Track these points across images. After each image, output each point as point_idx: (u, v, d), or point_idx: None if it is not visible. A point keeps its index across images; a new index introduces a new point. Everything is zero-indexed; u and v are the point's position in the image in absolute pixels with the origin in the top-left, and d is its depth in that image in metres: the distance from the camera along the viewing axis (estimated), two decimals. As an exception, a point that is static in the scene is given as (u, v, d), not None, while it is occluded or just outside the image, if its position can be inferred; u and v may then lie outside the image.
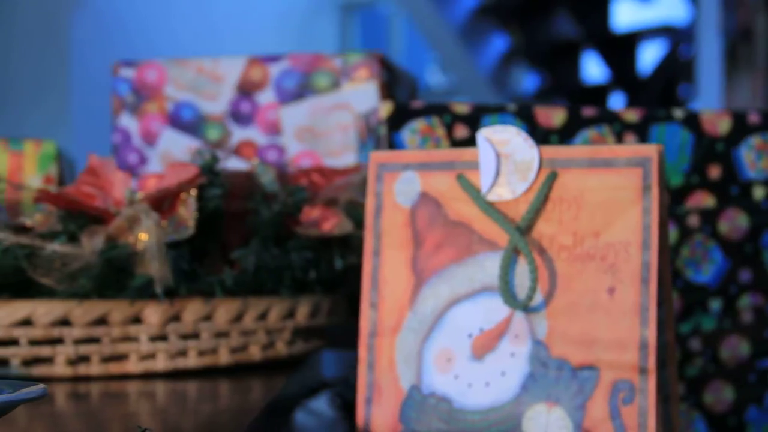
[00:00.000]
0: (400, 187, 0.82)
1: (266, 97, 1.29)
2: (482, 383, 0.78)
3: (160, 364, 0.93)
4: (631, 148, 0.76)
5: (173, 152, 1.30)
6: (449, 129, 1.15)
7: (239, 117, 1.30)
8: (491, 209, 0.78)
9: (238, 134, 1.30)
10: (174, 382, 0.92)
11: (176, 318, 0.93)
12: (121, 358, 0.92)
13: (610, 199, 0.76)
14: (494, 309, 0.78)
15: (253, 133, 1.29)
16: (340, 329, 1.11)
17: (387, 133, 1.14)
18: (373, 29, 6.66)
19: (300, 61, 1.29)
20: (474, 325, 0.79)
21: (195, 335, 0.94)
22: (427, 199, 0.81)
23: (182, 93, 1.30)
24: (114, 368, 0.92)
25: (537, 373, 0.76)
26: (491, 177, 0.79)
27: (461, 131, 1.15)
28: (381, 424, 0.80)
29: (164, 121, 1.31)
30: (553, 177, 0.77)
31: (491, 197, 0.79)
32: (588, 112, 1.17)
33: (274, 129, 1.29)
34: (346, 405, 1.30)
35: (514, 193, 0.78)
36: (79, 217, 0.92)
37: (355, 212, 1.01)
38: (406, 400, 0.80)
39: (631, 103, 5.91)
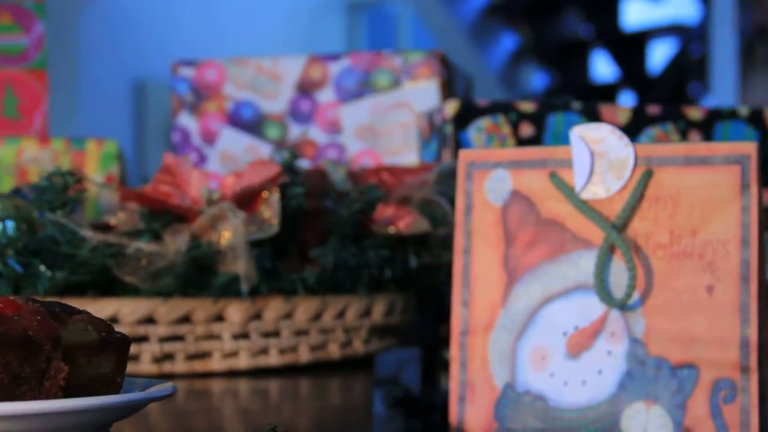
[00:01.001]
0: (491, 185, 0.82)
1: (326, 95, 1.30)
2: (578, 381, 0.78)
3: (243, 362, 0.93)
4: (728, 146, 0.76)
5: (233, 151, 1.30)
6: (515, 127, 1.15)
7: (299, 116, 1.30)
8: (586, 207, 0.79)
9: (298, 133, 1.30)
10: (256, 380, 0.93)
11: (258, 316, 0.94)
12: (204, 356, 0.93)
13: (708, 196, 0.76)
14: (589, 307, 0.78)
15: (313, 132, 1.30)
16: (407, 327, 1.11)
17: (453, 131, 1.14)
18: (380, 28, 6.66)
19: (360, 60, 1.29)
20: (569, 323, 0.79)
21: (276, 333, 0.95)
22: (518, 197, 0.82)
23: (242, 92, 1.31)
24: (198, 366, 0.92)
25: (635, 372, 0.76)
26: (585, 175, 0.79)
27: (526, 129, 1.15)
28: (475, 423, 0.80)
29: (224, 120, 1.31)
30: (648, 175, 0.77)
31: (585, 195, 0.79)
32: (653, 110, 1.17)
33: (334, 128, 1.29)
34: (397, 403, 1.31)
35: (608, 192, 0.79)
36: (163, 215, 0.92)
37: (430, 210, 1.02)
38: (500, 398, 0.80)
39: (642, 102, 5.89)
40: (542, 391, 0.79)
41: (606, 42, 6.50)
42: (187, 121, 1.32)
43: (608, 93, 6.40)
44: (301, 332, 0.96)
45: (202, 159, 1.32)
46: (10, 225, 0.90)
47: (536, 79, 6.55)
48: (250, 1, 5.14)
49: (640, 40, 6.39)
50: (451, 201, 1.02)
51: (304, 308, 0.95)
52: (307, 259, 0.98)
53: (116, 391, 0.57)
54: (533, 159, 0.82)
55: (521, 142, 1.15)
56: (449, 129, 1.14)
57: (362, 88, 1.29)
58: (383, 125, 1.28)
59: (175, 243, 0.89)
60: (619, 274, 0.78)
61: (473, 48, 6.04)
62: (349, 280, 0.97)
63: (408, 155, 1.27)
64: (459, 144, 1.14)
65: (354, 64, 1.29)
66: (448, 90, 1.30)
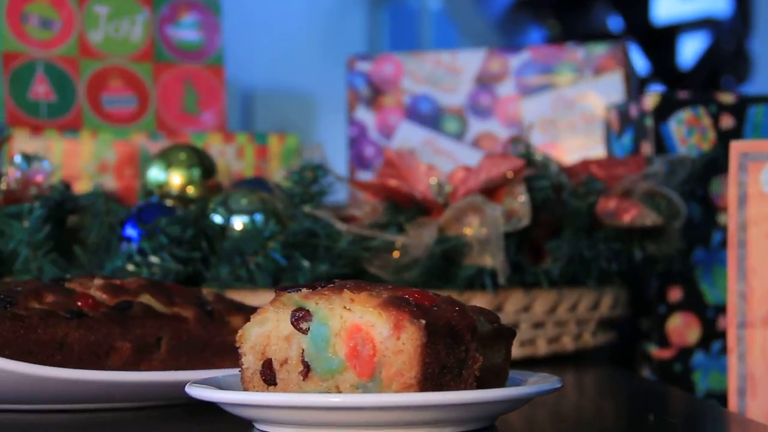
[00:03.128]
0: None
1: (506, 89, 1.29)
2: None
3: (486, 355, 0.93)
4: None
5: (410, 145, 1.30)
6: (715, 119, 1.14)
7: (478, 109, 1.30)
8: None
9: (478, 126, 1.30)
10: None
11: (499, 309, 0.93)
12: (450, 349, 0.92)
13: None
14: None
15: (493, 125, 1.29)
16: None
17: (653, 123, 1.13)
18: (403, 24, 6.62)
19: (541, 53, 1.28)
20: None
21: (515, 326, 0.94)
22: (797, 188, 0.81)
23: (420, 86, 1.30)
24: (445, 360, 0.91)
25: None
26: None
27: (727, 121, 1.14)
28: (758, 416, 0.79)
29: (401, 114, 1.31)
30: None
31: None
32: None
33: (514, 121, 1.29)
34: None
35: None
36: (406, 209, 0.91)
37: (654, 203, 1.00)
38: (785, 391, 0.79)
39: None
40: (831, 384, 0.77)
41: (636, 35, 6.47)
42: (363, 115, 1.32)
43: (638, 87, 6.38)
44: (538, 325, 0.95)
45: (379, 153, 1.31)
46: (259, 218, 0.90)
47: (565, 73, 6.53)
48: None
49: (670, 33, 6.36)
50: (679, 193, 1.01)
51: (541, 301, 0.94)
52: (538, 252, 0.97)
53: (504, 382, 0.56)
54: (813, 149, 0.80)
55: (721, 133, 1.14)
56: (649, 121, 1.13)
57: (543, 81, 1.28)
58: (566, 118, 1.27)
59: (422, 235, 0.89)
60: None
61: (500, 43, 6.01)
62: (582, 273, 0.96)
63: (593, 148, 1.26)
64: (660, 136, 1.13)
65: (535, 57, 1.28)
66: (629, 82, 1.29)
